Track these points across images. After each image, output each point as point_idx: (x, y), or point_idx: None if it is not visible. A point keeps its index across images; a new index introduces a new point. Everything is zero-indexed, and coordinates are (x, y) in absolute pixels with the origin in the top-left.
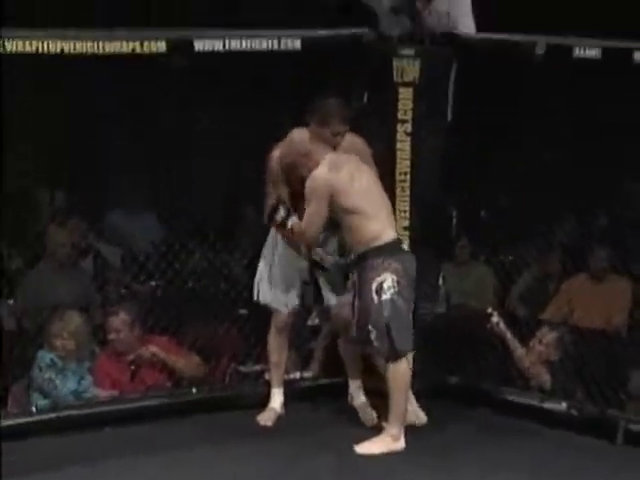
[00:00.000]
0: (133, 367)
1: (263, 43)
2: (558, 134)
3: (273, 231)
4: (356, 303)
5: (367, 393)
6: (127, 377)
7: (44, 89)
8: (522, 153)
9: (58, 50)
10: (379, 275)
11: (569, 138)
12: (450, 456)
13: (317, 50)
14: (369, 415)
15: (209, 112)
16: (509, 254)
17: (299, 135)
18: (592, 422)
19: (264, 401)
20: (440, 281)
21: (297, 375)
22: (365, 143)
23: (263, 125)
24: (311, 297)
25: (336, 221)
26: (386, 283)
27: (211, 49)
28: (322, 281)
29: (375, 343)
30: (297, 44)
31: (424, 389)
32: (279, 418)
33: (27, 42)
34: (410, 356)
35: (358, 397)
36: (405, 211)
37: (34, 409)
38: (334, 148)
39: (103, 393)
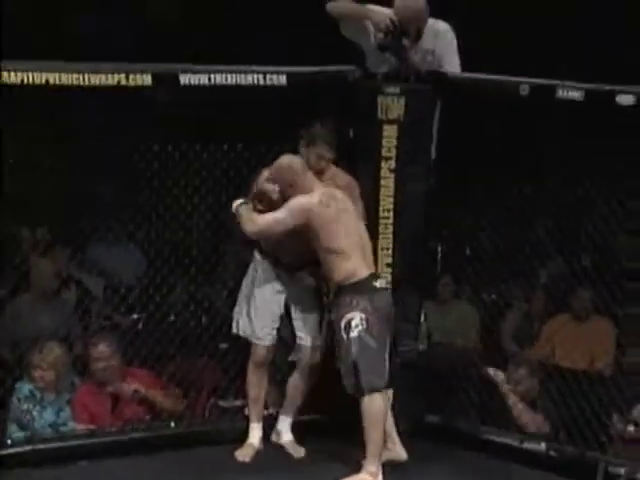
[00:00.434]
0: (112, 400)
1: (248, 78)
2: (543, 173)
3: (253, 265)
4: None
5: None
6: (106, 409)
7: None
8: (506, 191)
9: (43, 81)
10: (347, 313)
11: (556, 181)
12: None
13: (302, 86)
14: (298, 453)
15: (193, 147)
16: (492, 293)
17: (288, 161)
18: (572, 463)
19: (243, 436)
20: (422, 318)
21: (276, 411)
22: (357, 183)
23: (245, 161)
24: (288, 332)
25: (317, 259)
26: (354, 321)
27: (197, 83)
28: (295, 318)
29: (343, 380)
30: (282, 80)
31: (403, 427)
32: (257, 454)
33: (12, 73)
34: (390, 392)
35: (287, 434)
36: (388, 248)
37: (9, 441)
38: (317, 173)
39: (80, 427)
